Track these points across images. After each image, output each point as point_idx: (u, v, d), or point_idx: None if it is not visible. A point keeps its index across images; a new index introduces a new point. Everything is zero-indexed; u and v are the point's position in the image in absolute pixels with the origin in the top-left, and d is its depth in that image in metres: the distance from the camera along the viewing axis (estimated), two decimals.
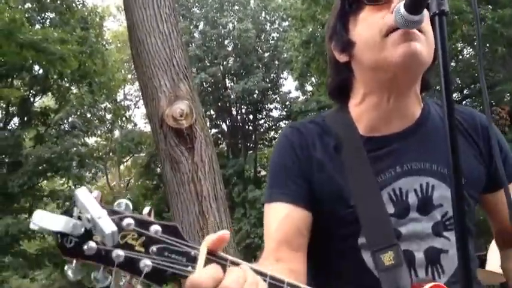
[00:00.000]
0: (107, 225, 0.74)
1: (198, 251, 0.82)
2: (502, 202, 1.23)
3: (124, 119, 25.26)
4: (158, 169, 24.33)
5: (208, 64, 27.84)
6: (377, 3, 1.15)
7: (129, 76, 28.10)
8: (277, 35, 28.37)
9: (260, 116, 31.12)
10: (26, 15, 14.96)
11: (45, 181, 19.94)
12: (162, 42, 5.72)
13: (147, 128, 17.29)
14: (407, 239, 1.16)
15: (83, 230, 0.77)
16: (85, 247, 0.78)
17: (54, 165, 17.58)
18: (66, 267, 0.79)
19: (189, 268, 0.81)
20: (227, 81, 29.49)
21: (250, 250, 27.68)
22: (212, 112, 29.83)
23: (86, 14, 18.46)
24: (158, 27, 5.72)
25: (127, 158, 32.71)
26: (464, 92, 19.91)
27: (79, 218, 0.75)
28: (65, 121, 19.42)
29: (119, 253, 0.77)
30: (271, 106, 31.06)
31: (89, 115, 20.39)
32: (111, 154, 28.57)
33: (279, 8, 26.97)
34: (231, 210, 26.31)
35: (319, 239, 1.23)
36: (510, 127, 16.47)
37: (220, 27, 27.52)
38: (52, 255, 18.30)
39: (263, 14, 29.11)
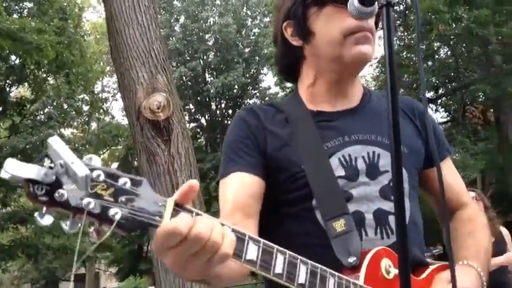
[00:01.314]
0: (81, 169, 0.77)
1: (165, 203, 0.86)
2: (435, 178, 1.33)
3: (101, 111, 25.04)
4: (135, 162, 24.19)
5: (188, 58, 27.74)
6: (341, 5, 1.25)
7: (108, 68, 27.85)
8: (258, 31, 28.38)
9: (239, 110, 31.22)
10: (4, 5, 14.73)
11: None
12: (140, 34, 5.71)
13: (125, 121, 17.21)
14: (357, 200, 1.25)
15: (54, 177, 0.79)
16: (56, 194, 0.79)
17: (29, 156, 17.33)
18: (36, 214, 0.82)
19: (157, 218, 0.85)
20: (207, 75, 29.43)
21: None
22: (191, 106, 29.76)
23: (65, 4, 18.22)
24: (137, 19, 5.70)
25: (104, 151, 32.47)
26: (439, 91, 20.20)
27: (50, 168, 0.77)
28: (41, 112, 19.19)
29: (89, 201, 0.80)
30: (251, 101, 31.09)
31: (65, 106, 20.15)
32: (87, 146, 28.28)
33: (260, 4, 26.97)
34: (207, 205, 26.36)
35: (272, 205, 1.29)
36: (483, 126, 16.77)
37: (201, 21, 27.43)
38: (25, 246, 18.14)
39: (244, 9, 29.09)
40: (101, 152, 32.79)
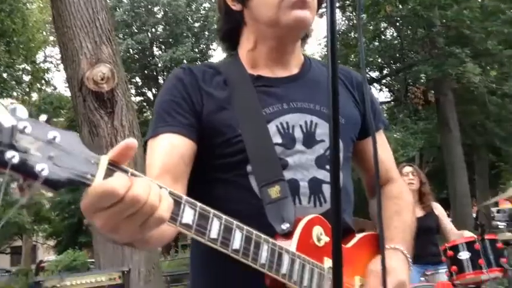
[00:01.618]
0: (6, 119, 0.70)
1: (98, 160, 0.79)
2: (369, 150, 1.42)
3: (43, 81, 24.24)
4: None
5: (136, 31, 27.11)
6: None
7: (51, 38, 26.88)
8: (209, 5, 28.02)
9: None
10: None
11: None
12: (85, 3, 5.55)
13: (68, 93, 16.71)
14: (293, 168, 1.25)
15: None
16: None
17: None
18: None
19: (89, 176, 0.77)
20: (155, 49, 28.89)
21: None
22: (138, 80, 29.20)
23: None
24: None
25: None
26: (384, 71, 20.66)
27: None
28: None
29: (14, 154, 0.70)
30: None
31: (5, 75, 19.39)
32: None
33: None
34: None
35: (204, 170, 1.27)
36: (424, 106, 17.30)
37: None
38: None
39: None
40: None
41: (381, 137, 1.46)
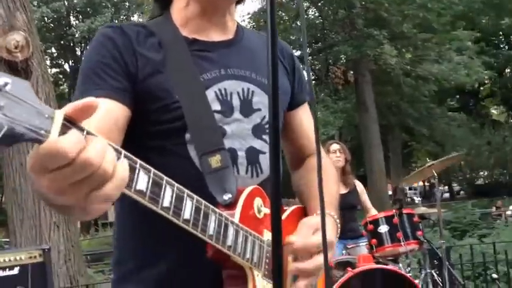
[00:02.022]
0: None
1: (54, 115, 0.68)
2: (295, 121, 1.41)
3: None
4: None
5: None
6: None
7: None
8: None
9: None
10: None
11: None
12: None
13: None
14: (231, 137, 1.21)
15: None
16: None
17: None
18: None
19: (42, 132, 0.66)
20: (72, 18, 27.66)
21: None
22: (54, 50, 27.91)
23: None
24: None
25: None
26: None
27: None
28: None
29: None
30: None
31: None
32: None
33: None
34: None
35: (137, 138, 1.19)
36: (344, 86, 17.81)
37: None
38: None
39: None
40: None
41: (306, 108, 1.44)
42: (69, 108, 0.70)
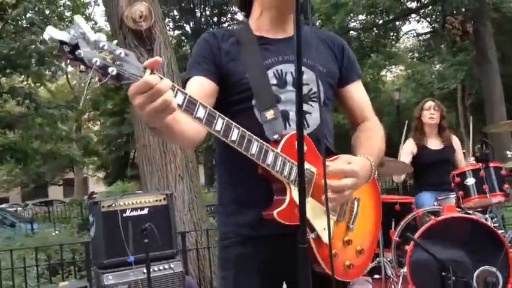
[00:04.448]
0: (95, 35, 1.21)
1: (145, 69, 1.27)
2: (347, 95, 1.93)
3: (84, 17, 24.66)
4: None
5: None
6: None
7: None
8: None
9: (224, 18, 30.67)
10: None
11: (4, 78, 19.75)
12: None
13: (108, 27, 17.06)
14: (284, 102, 1.74)
15: (76, 41, 1.18)
16: (77, 52, 1.18)
17: (12, 62, 17.30)
18: (64, 63, 1.30)
19: (139, 78, 1.26)
20: None
21: (211, 151, 28.45)
22: (176, 13, 29.25)
23: None
24: None
25: None
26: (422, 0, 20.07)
27: (74, 35, 1.19)
28: (23, 17, 18.91)
29: (97, 59, 1.19)
30: (236, 9, 30.61)
31: (47, 12, 19.86)
32: None
33: None
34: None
35: (221, 105, 1.73)
36: (462, 37, 16.97)
37: None
38: (14, 151, 18.52)
39: None
40: None
41: (358, 84, 1.94)
42: (147, 62, 1.28)
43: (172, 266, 3.90)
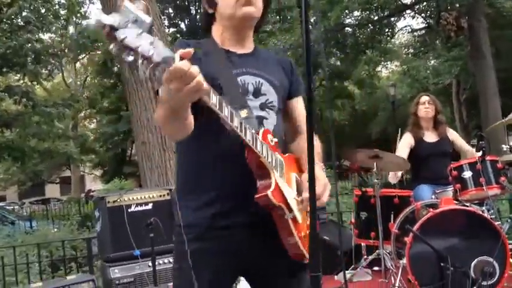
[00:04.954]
0: (145, 17, 1.32)
1: (175, 54, 1.39)
2: (290, 107, 2.16)
3: (79, 15, 24.67)
4: (116, 68, 24.20)
5: None
6: None
7: None
8: None
9: None
10: None
11: (0, 76, 19.78)
12: None
13: None
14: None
15: (125, 24, 1.28)
16: (121, 36, 1.28)
17: (9, 61, 17.35)
18: (110, 46, 1.30)
19: (171, 61, 1.37)
20: None
21: None
22: (170, 10, 29.31)
23: None
24: None
25: (83, 56, 32.20)
26: None
27: (122, 19, 1.29)
28: (19, 16, 18.93)
29: (141, 43, 1.29)
30: None
31: (43, 10, 19.88)
32: (66, 51, 27.99)
33: None
34: None
35: (198, 105, 1.85)
36: (456, 32, 17.08)
37: None
38: (11, 149, 18.55)
39: None
40: (81, 58, 32.60)
41: (301, 99, 2.19)
42: (180, 52, 1.42)
43: None
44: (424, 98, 5.09)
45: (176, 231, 1.96)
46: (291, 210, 1.81)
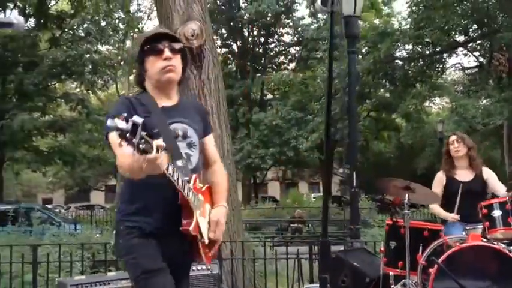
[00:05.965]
0: (139, 119, 1.92)
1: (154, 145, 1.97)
2: (204, 144, 2.69)
3: (137, 30, 25.63)
4: None
5: None
6: (156, 55, 2.52)
7: None
8: None
9: (271, 39, 31.21)
10: None
11: (58, 83, 20.66)
12: None
13: None
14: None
15: (130, 128, 1.87)
16: (134, 140, 1.88)
17: (68, 69, 18.22)
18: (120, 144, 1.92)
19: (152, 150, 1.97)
20: (241, 1, 29.46)
21: (250, 169, 28.73)
22: (224, 31, 29.95)
23: None
24: None
25: None
26: (470, 34, 19.99)
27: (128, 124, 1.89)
28: (80, 27, 19.84)
29: (142, 144, 1.91)
30: (283, 31, 31.13)
31: (103, 24, 20.77)
32: (122, 63, 28.99)
33: None
34: (234, 130, 26.72)
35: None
36: (508, 74, 16.83)
37: None
38: (63, 154, 19.27)
39: None
40: (135, 71, 33.52)
41: (211, 137, 2.76)
42: (159, 145, 1.98)
43: (209, 267, 4.17)
44: (452, 138, 5.14)
45: (122, 234, 2.50)
46: (202, 236, 2.47)
